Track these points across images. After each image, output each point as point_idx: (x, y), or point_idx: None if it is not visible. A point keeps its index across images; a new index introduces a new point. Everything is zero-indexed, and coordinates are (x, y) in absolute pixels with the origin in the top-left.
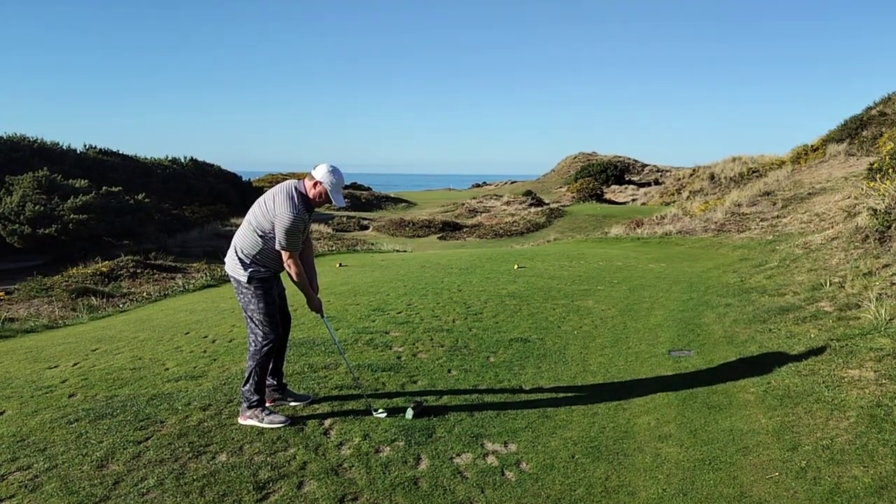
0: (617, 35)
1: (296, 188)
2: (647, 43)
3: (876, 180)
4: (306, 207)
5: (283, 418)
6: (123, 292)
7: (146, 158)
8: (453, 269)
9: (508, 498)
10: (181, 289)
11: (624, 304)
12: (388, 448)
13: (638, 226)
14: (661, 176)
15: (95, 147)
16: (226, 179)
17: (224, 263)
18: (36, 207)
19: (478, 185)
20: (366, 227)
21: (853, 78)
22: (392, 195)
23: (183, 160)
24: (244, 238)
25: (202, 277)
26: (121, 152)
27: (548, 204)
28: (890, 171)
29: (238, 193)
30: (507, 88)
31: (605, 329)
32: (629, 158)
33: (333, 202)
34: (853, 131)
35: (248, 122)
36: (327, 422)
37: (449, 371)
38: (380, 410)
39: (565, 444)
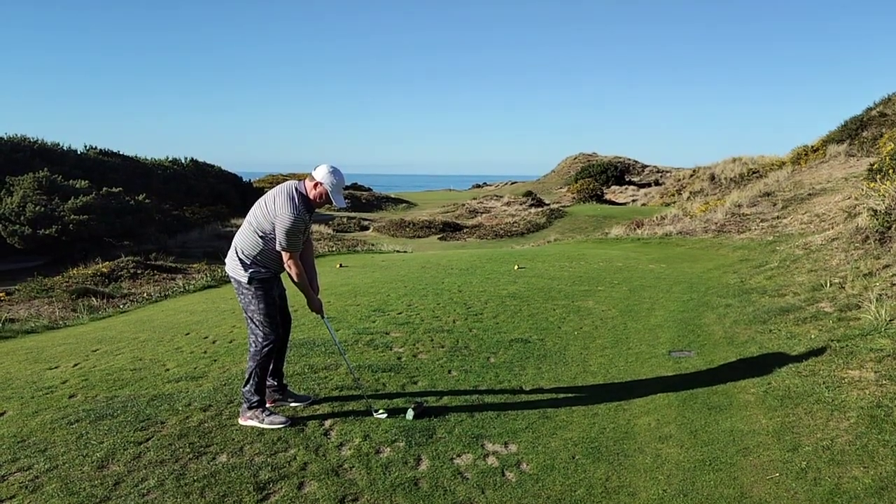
0: (617, 36)
1: (296, 189)
2: (647, 43)
3: (876, 181)
4: (307, 208)
5: (283, 419)
6: (124, 293)
7: (146, 159)
8: (454, 270)
9: (509, 498)
10: (181, 289)
11: (624, 305)
12: (389, 449)
13: (638, 226)
14: (661, 177)
15: (96, 148)
16: (226, 180)
17: (224, 264)
18: (36, 208)
19: (478, 186)
20: (366, 228)
21: (853, 79)
22: (392, 196)
23: (183, 161)
24: (245, 239)
25: (202, 278)
26: (121, 153)
27: (548, 204)
28: (890, 171)
29: (238, 194)
30: (507, 89)
31: (605, 330)
32: (629, 159)
33: (334, 203)
34: (853, 132)
35: (249, 123)
36: (328, 422)
37: (449, 372)
38: (380, 411)
39: (566, 444)
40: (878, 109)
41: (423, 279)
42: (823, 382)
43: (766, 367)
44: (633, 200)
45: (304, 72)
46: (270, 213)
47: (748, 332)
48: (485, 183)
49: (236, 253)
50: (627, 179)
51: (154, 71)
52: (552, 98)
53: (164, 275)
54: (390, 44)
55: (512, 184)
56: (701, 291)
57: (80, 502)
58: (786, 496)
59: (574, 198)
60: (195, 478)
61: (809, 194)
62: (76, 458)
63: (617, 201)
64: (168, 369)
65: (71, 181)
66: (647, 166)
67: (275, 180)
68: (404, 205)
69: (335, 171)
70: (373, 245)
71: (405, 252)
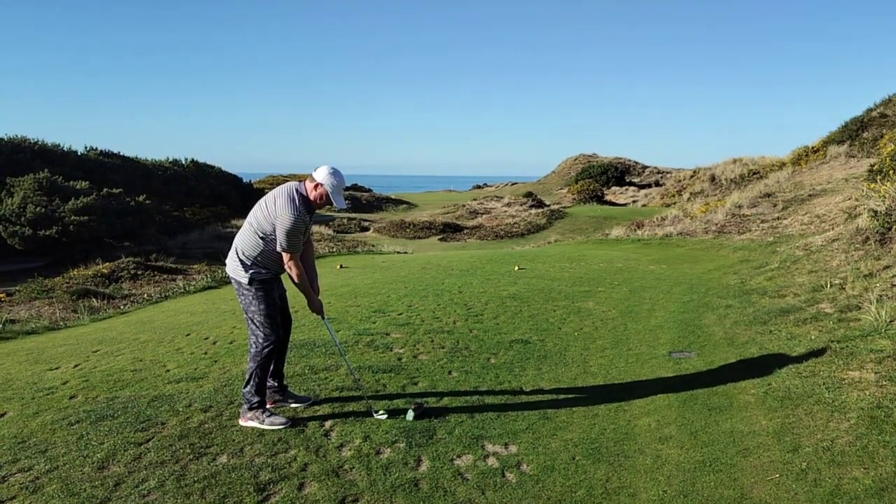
0: (618, 36)
1: (297, 190)
2: (648, 44)
3: (876, 182)
4: (307, 209)
5: (283, 420)
6: (124, 294)
7: (147, 160)
8: (454, 271)
9: (509, 499)
10: (182, 290)
11: (624, 306)
12: (389, 449)
13: (638, 227)
14: (661, 177)
15: (96, 148)
16: (226, 181)
17: (225, 265)
18: (37, 209)
19: (478, 187)
20: (366, 229)
21: (854, 79)
22: (393, 197)
23: (184, 162)
24: (245, 240)
25: (203, 279)
26: (121, 154)
27: (548, 205)
28: (890, 172)
29: (239, 195)
30: (507, 89)
31: (605, 330)
32: (630, 160)
33: (334, 204)
34: (854, 133)
35: (249, 124)
36: (328, 423)
37: (449, 372)
38: (380, 412)
39: (566, 445)
40: (878, 110)
41: (423, 280)
42: (824, 383)
43: (767, 368)
44: (634, 201)
45: (305, 72)
46: (271, 214)
47: (748, 333)
48: (485, 184)
49: (237, 254)
50: (628, 180)
51: (154, 71)
52: (552, 99)
53: (165, 276)
54: (390, 44)
55: (512, 185)
56: (701, 292)
57: (80, 503)
58: (786, 497)
59: (574, 199)
60: (195, 479)
61: (810, 195)
62: (77, 458)
63: (617, 202)
64: (168, 370)
65: (71, 182)
66: (647, 167)
67: (275, 181)
68: (404, 206)
69: (335, 173)
70: (373, 246)
71: (405, 253)
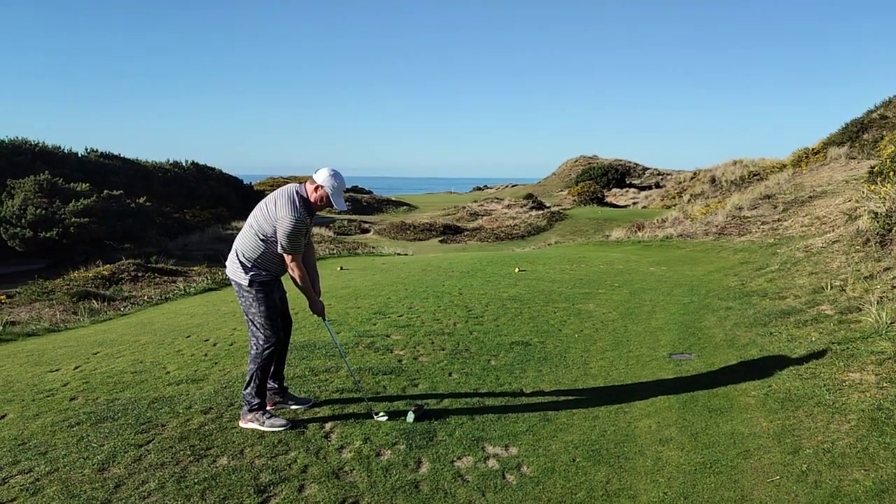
0: (619, 37)
1: (297, 192)
2: (648, 46)
3: (877, 183)
4: (308, 211)
5: (284, 421)
6: (124, 296)
7: (147, 162)
8: (454, 273)
9: (509, 501)
10: (182, 292)
11: (625, 308)
12: (389, 451)
13: (639, 229)
14: (661, 179)
15: (97, 150)
16: (227, 183)
17: (225, 267)
18: (37, 211)
19: (479, 189)
20: (367, 231)
21: (854, 81)
22: (393, 198)
23: (184, 164)
24: (245, 242)
25: (203, 281)
26: (122, 156)
27: (549, 207)
28: (891, 174)
29: (239, 197)
30: (508, 91)
31: (605, 332)
32: (630, 162)
33: (335, 206)
34: (854, 134)
35: (250, 126)
36: (328, 425)
37: (450, 374)
38: (381, 414)
39: (566, 447)
40: (878, 112)
41: (423, 282)
42: (824, 385)
43: (767, 370)
44: (634, 203)
45: (305, 74)
46: (271, 215)
47: (749, 335)
48: (485, 185)
49: (237, 256)
50: (628, 182)
51: (154, 73)
52: (553, 100)
53: (165, 277)
54: (391, 46)
55: (513, 186)
56: (701, 294)
57: None
58: (786, 499)
59: (575, 200)
60: (196, 480)
61: (810, 197)
62: (77, 460)
63: (617, 204)
64: (169, 372)
65: (72, 184)
66: (647, 169)
67: (276, 183)
68: (405, 207)
69: (336, 175)
70: (373, 248)
71: (406, 255)
